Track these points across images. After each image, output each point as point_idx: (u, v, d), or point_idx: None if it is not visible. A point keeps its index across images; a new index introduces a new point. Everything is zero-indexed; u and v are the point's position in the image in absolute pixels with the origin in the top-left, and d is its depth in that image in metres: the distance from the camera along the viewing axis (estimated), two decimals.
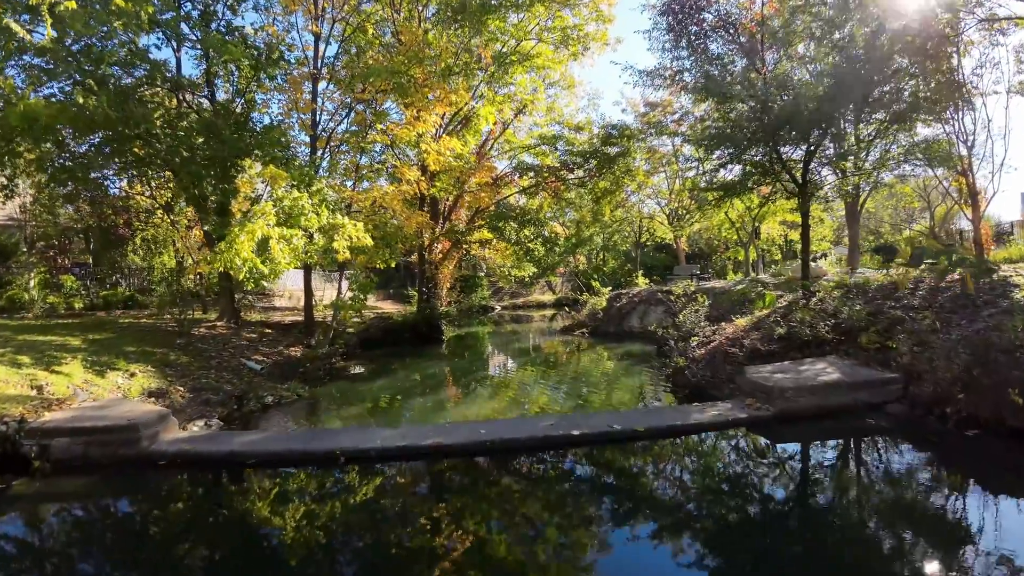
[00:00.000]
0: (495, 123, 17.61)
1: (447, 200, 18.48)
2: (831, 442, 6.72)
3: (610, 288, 22.87)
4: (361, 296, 12.33)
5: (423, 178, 14.70)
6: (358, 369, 13.77)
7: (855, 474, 5.83)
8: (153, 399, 8.72)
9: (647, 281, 25.84)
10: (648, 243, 33.70)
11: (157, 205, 18.22)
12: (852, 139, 11.34)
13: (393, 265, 17.67)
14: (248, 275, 8.60)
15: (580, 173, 17.56)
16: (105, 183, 16.54)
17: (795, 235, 26.03)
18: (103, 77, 11.03)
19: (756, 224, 19.71)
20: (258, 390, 10.01)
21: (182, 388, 9.23)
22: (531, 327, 27.10)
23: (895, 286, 10.28)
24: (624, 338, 18.86)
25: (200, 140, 11.96)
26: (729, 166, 12.07)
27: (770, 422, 6.77)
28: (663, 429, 6.56)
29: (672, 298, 15.83)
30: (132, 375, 9.24)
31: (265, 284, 24.76)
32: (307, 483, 5.69)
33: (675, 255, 39.17)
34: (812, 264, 18.94)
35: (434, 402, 10.00)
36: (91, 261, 22.92)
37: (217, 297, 17.86)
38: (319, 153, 13.72)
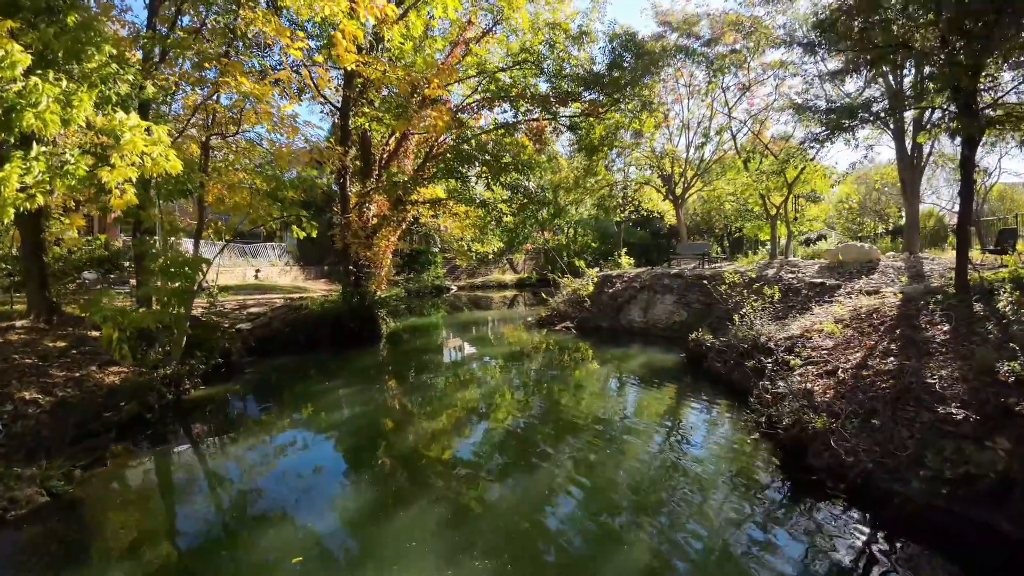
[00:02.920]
0: (458, 28, 12.12)
1: (385, 143, 13.00)
2: None
3: (597, 269, 18.08)
4: (181, 288, 6.50)
5: (325, 55, 8.65)
6: (227, 399, 8.43)
7: None
8: None
9: (631, 261, 21.37)
10: (632, 216, 29.03)
11: None
12: None
13: (314, 234, 12.12)
14: None
15: (577, 108, 12.36)
16: None
17: (814, 210, 21.95)
18: None
19: (790, 193, 15.27)
20: None
21: None
22: (496, 314, 22.06)
23: None
24: (622, 336, 14.18)
25: None
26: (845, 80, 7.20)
27: None
28: None
29: (723, 289, 11.01)
30: None
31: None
32: None
33: (655, 231, 34.87)
34: (860, 245, 14.61)
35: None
36: None
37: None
38: (160, 29, 7.96)
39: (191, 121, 7.88)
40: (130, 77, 5.73)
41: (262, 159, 8.91)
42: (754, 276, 11.49)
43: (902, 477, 5.01)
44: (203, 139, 7.87)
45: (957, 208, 29.86)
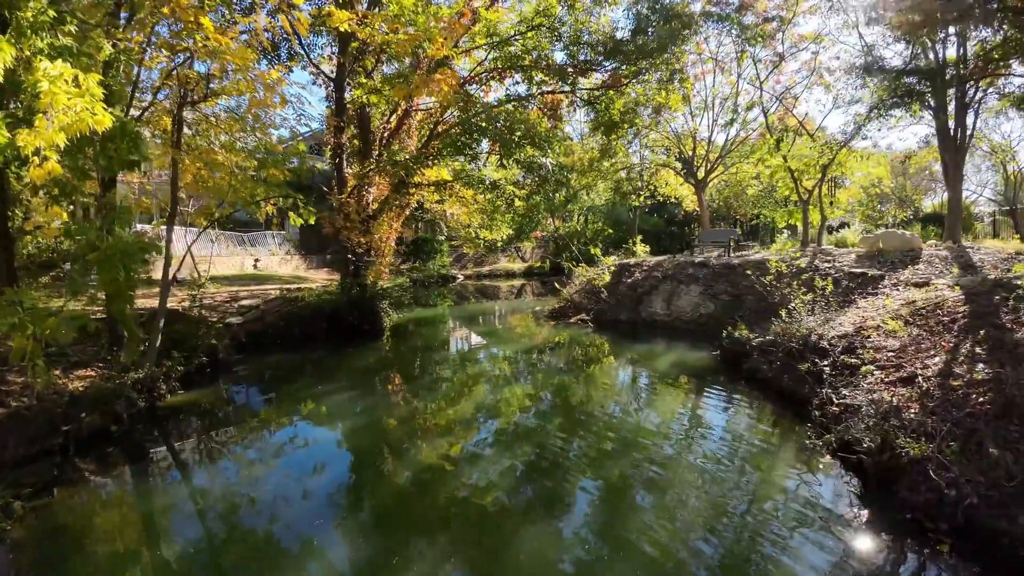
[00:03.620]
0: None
1: (386, 121, 11.95)
2: None
3: (613, 258, 17.04)
4: (125, 281, 5.27)
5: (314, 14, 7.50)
6: (209, 404, 7.50)
7: None
8: None
9: (647, 249, 20.29)
10: (648, 202, 27.86)
11: None
12: None
13: (312, 220, 11.15)
14: None
15: (598, 78, 11.22)
16: None
17: (842, 196, 20.69)
18: None
19: (824, 176, 14.05)
20: None
21: None
22: (505, 305, 21.09)
23: None
24: (644, 330, 13.16)
25: None
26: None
27: None
28: None
29: (767, 281, 9.94)
30: None
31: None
32: None
33: (670, 218, 33.68)
34: (901, 232, 13.49)
35: None
36: None
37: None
38: None
39: (164, 91, 6.90)
40: (73, 28, 4.72)
41: (242, 134, 7.89)
42: (803, 266, 10.43)
43: (1009, 512, 4.05)
44: (174, 110, 6.87)
45: (987, 195, 28.32)
